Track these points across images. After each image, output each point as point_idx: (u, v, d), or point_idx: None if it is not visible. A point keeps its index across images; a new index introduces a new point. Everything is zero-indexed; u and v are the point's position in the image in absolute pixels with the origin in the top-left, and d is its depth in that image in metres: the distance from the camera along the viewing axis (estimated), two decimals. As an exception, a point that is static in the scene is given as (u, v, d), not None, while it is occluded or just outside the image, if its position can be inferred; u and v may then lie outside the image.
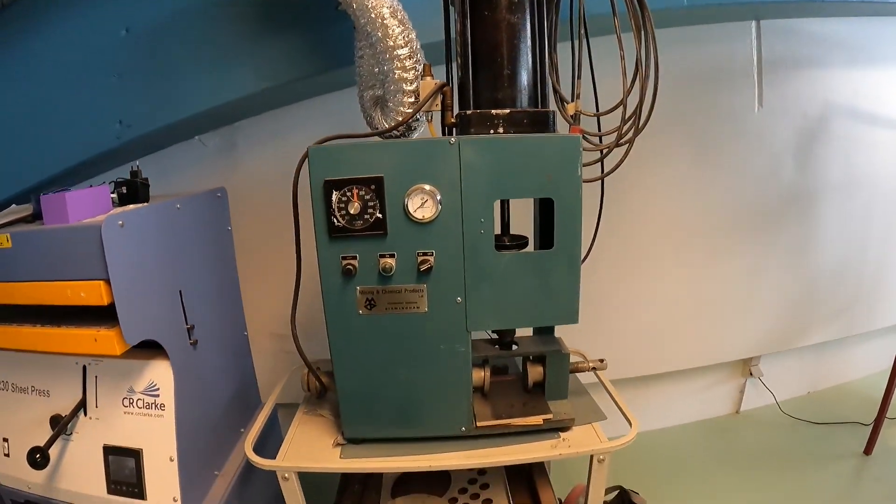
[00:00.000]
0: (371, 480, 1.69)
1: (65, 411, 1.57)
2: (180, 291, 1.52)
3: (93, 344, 1.37)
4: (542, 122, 1.34)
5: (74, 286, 1.34)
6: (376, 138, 1.36)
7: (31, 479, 1.66)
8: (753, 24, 2.22)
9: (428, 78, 1.36)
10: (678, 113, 2.13)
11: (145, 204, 1.49)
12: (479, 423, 1.40)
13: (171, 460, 1.47)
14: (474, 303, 1.31)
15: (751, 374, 2.66)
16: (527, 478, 1.63)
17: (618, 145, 1.55)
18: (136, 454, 1.49)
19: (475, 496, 1.60)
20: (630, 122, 1.48)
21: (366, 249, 1.26)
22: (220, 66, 1.74)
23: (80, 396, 1.57)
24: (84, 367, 1.57)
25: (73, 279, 1.34)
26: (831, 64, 2.29)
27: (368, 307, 1.31)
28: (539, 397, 1.49)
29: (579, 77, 1.55)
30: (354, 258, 1.27)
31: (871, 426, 2.42)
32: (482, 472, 1.68)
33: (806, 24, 2.22)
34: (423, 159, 1.23)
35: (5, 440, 1.70)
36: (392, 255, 1.27)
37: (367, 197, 1.23)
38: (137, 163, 1.54)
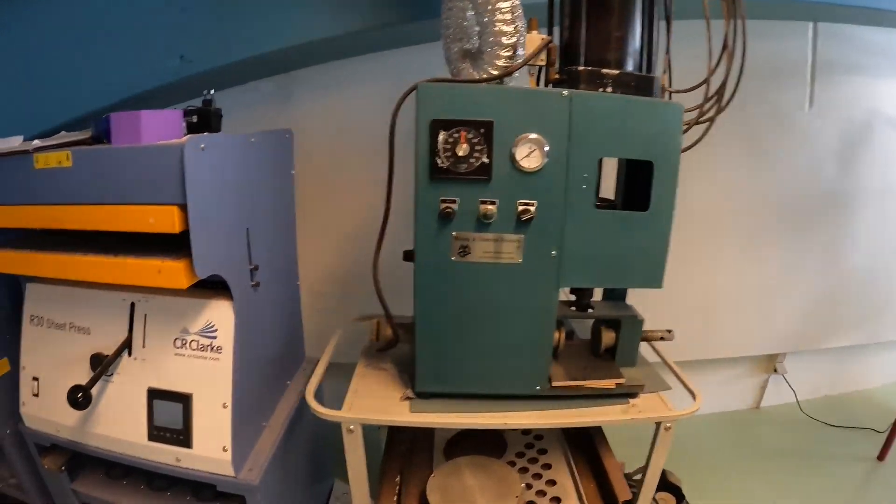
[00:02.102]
0: (419, 440, 1.59)
1: (106, 351, 1.44)
2: (247, 229, 1.40)
3: (155, 276, 1.24)
4: (647, 87, 1.29)
5: (142, 210, 1.21)
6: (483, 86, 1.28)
7: (60, 422, 1.51)
8: (811, 25, 2.19)
9: (534, 32, 1.30)
10: (731, 103, 2.09)
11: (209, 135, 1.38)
12: (554, 384, 1.33)
13: (225, 407, 1.34)
14: (568, 258, 1.23)
15: (775, 370, 2.61)
16: (585, 444, 1.55)
17: (698, 122, 1.51)
18: (185, 399, 1.36)
19: (533, 460, 1.52)
20: (712, 100, 1.45)
21: (467, 194, 1.18)
22: (295, 6, 1.63)
23: (124, 335, 1.44)
24: (132, 305, 1.44)
25: (142, 203, 1.22)
26: (881, 73, 2.27)
27: (461, 254, 1.22)
28: (610, 362, 1.43)
29: (668, 52, 1.51)
30: (454, 202, 1.18)
31: (887, 433, 2.42)
32: (539, 436, 1.59)
33: (861, 32, 2.19)
34: (534, 109, 1.16)
35: (35, 379, 1.55)
36: (493, 203, 1.19)
37: (475, 140, 1.15)
38: (212, 91, 1.42)
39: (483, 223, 1.19)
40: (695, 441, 2.41)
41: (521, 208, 1.19)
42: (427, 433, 1.59)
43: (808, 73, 2.22)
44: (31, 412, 1.55)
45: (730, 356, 2.49)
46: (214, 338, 1.33)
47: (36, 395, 1.54)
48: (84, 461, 1.66)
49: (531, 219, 1.19)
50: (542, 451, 1.54)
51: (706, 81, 1.45)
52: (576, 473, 1.47)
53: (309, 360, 1.81)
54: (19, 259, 1.39)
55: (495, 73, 1.32)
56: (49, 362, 1.51)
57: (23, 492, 1.79)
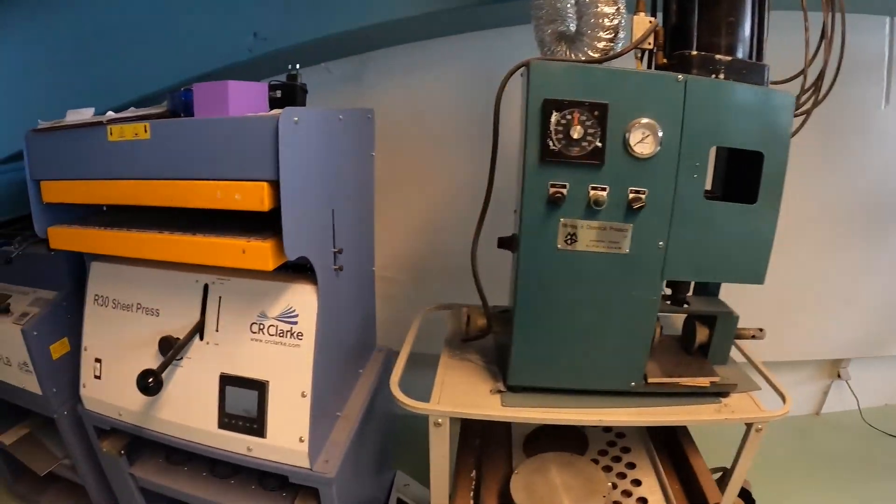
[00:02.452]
0: (495, 434, 1.52)
1: (175, 334, 1.37)
2: (333, 210, 1.32)
3: (239, 257, 1.16)
4: (758, 75, 1.21)
5: (227, 186, 1.13)
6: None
7: (123, 406, 1.45)
8: (888, 20, 2.08)
9: (641, 14, 1.22)
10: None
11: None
12: (650, 380, 1.26)
13: (303, 396, 1.27)
14: (674, 249, 1.16)
15: (839, 375, 2.53)
16: (670, 443, 1.48)
17: (795, 115, 1.44)
18: (260, 386, 1.29)
19: (617, 459, 1.45)
20: (809, 92, 1.38)
21: (578, 179, 1.10)
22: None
23: (195, 318, 1.37)
24: (206, 286, 1.37)
25: (228, 179, 1.15)
26: (961, 72, 2.16)
27: (568, 242, 1.14)
28: (702, 360, 1.36)
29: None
30: (564, 187, 1.11)
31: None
32: (620, 434, 1.52)
33: (940, 28, 2.09)
34: (647, 92, 1.08)
35: (98, 361, 1.49)
36: (604, 189, 1.11)
37: (588, 123, 1.08)
38: (297, 65, 1.34)
39: (592, 210, 1.12)
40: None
41: (631, 196, 1.12)
42: (504, 427, 1.53)
43: (885, 69, 2.11)
44: (92, 394, 1.49)
45: (794, 359, 2.40)
46: (295, 323, 1.26)
47: (98, 377, 1.48)
48: (143, 445, 1.60)
49: (641, 207, 1.12)
50: (626, 450, 1.47)
51: (803, 73, 1.37)
52: (662, 473, 1.40)
53: (379, 349, 1.73)
54: (89, 237, 1.33)
55: (595, 55, 1.24)
56: (113, 344, 1.45)
57: (76, 473, 1.73)
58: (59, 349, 1.58)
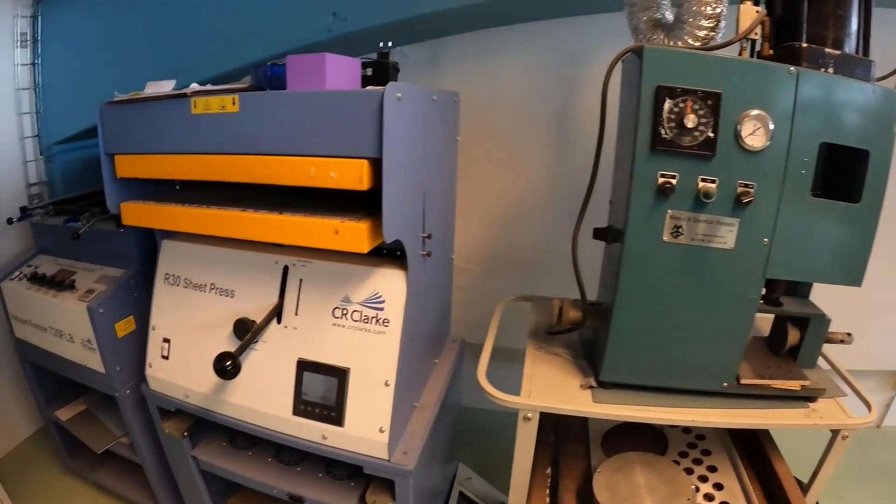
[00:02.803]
0: (571, 430, 1.46)
1: (250, 316, 1.32)
2: (424, 194, 1.25)
3: (331, 237, 1.10)
4: (865, 71, 1.14)
5: (323, 163, 1.07)
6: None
7: (191, 388, 1.40)
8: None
9: (748, 3, 1.14)
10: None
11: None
12: (742, 381, 1.19)
13: (387, 385, 1.21)
14: (778, 247, 1.09)
15: (903, 388, 2.43)
16: (750, 447, 1.41)
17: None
18: (341, 374, 1.24)
19: (698, 461, 1.38)
20: None
21: (688, 169, 1.03)
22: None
23: (273, 301, 1.32)
24: (285, 268, 1.31)
25: (323, 155, 1.08)
26: None
27: (674, 235, 1.08)
28: (790, 362, 1.28)
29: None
30: (674, 177, 1.04)
31: None
32: (701, 436, 1.46)
33: None
34: (759, 84, 1.01)
35: (166, 341, 1.44)
36: (714, 181, 1.04)
37: (701, 112, 1.01)
38: (389, 43, 1.27)
39: (701, 203, 1.05)
40: (810, 454, 2.25)
41: (740, 190, 1.05)
42: (581, 423, 1.46)
43: None
44: (158, 375, 1.44)
45: (857, 368, 2.30)
46: (381, 309, 1.19)
47: (165, 357, 1.43)
48: (207, 427, 1.55)
49: (750, 202, 1.05)
50: (706, 452, 1.40)
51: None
52: (744, 478, 1.33)
53: (453, 339, 1.67)
54: (167, 213, 1.27)
55: (696, 44, 1.17)
56: (183, 324, 1.40)
57: (133, 452, 1.70)
58: (124, 327, 1.54)
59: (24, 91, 2.03)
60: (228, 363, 1.13)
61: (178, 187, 1.47)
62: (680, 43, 1.22)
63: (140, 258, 1.55)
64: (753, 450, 1.39)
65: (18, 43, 2.01)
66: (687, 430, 1.45)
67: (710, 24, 1.18)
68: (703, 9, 1.18)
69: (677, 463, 1.35)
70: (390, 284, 1.19)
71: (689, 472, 1.35)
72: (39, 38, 2.03)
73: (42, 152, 2.07)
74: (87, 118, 1.94)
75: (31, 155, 2.06)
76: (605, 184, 1.73)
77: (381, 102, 0.98)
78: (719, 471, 1.35)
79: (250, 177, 1.13)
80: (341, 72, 1.11)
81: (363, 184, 1.03)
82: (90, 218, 1.59)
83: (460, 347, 1.60)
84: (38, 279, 1.67)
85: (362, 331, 1.21)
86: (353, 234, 1.06)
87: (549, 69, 1.71)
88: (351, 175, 1.03)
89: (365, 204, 1.17)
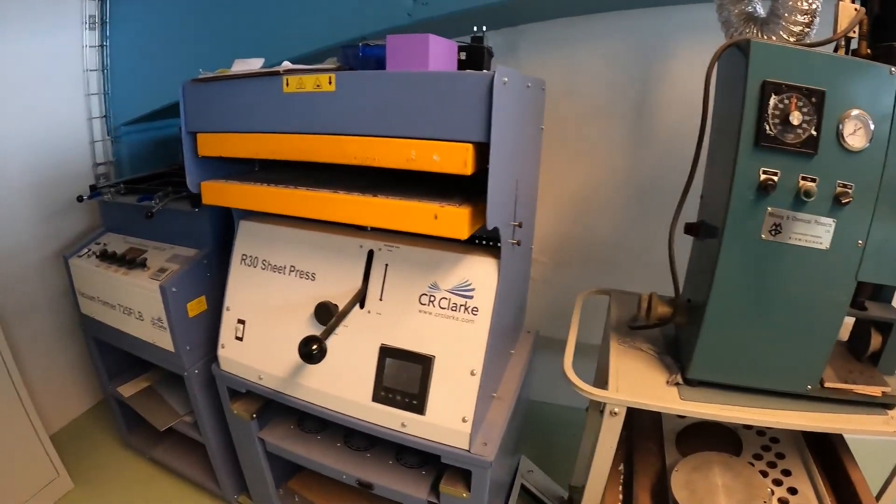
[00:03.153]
0: (643, 428, 1.42)
1: (332, 300, 1.29)
2: (517, 181, 1.21)
3: (429, 222, 1.06)
4: None
5: (425, 146, 1.03)
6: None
7: (264, 369, 1.38)
8: None
9: (847, 0, 1.08)
10: None
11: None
12: (826, 384, 1.14)
13: (472, 374, 1.18)
14: (871, 250, 1.04)
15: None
16: (824, 452, 1.36)
17: None
18: (425, 361, 1.21)
19: (772, 465, 1.34)
20: None
21: (789, 167, 0.99)
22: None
23: (356, 285, 1.29)
24: (370, 252, 1.28)
25: (426, 138, 1.04)
26: None
27: (773, 233, 1.04)
28: (871, 368, 1.23)
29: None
30: (775, 174, 1.00)
31: None
32: (774, 439, 1.41)
33: None
34: (861, 83, 0.96)
35: (241, 322, 1.42)
36: (814, 180, 1.00)
37: (805, 110, 0.97)
38: (484, 28, 1.22)
39: (800, 201, 1.01)
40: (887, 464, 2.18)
41: (839, 190, 1.01)
42: (655, 420, 1.42)
43: None
44: (231, 356, 1.43)
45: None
46: (470, 297, 1.16)
47: (239, 338, 1.41)
48: (275, 409, 1.54)
49: (848, 202, 1.00)
50: (780, 456, 1.35)
51: None
52: (818, 483, 1.28)
53: (527, 331, 1.64)
54: (254, 193, 1.25)
55: (791, 40, 1.12)
56: (260, 306, 1.38)
57: (197, 431, 1.69)
58: (195, 307, 1.53)
59: (92, 72, 2.03)
60: (315, 347, 1.10)
61: (256, 168, 1.44)
62: (774, 38, 1.19)
63: (214, 238, 1.54)
64: (827, 455, 1.34)
65: (87, 25, 2.01)
66: (761, 432, 1.40)
67: (806, 20, 1.14)
68: (799, 4, 1.13)
69: (752, 465, 1.31)
70: (481, 272, 1.15)
71: (764, 474, 1.31)
72: (108, 19, 2.02)
73: (109, 133, 2.07)
74: (155, 100, 1.94)
75: (98, 135, 2.06)
76: (682, 179, 1.69)
77: (490, 86, 0.94)
78: (793, 475, 1.30)
79: (346, 157, 1.09)
80: (441, 54, 1.07)
81: (467, 168, 0.99)
82: (163, 197, 1.58)
83: (535, 339, 1.57)
84: (107, 256, 1.66)
85: (449, 319, 1.18)
86: (454, 219, 1.03)
87: (627, 60, 1.65)
88: (455, 159, 0.99)
89: (454, 189, 1.13)
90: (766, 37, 1.20)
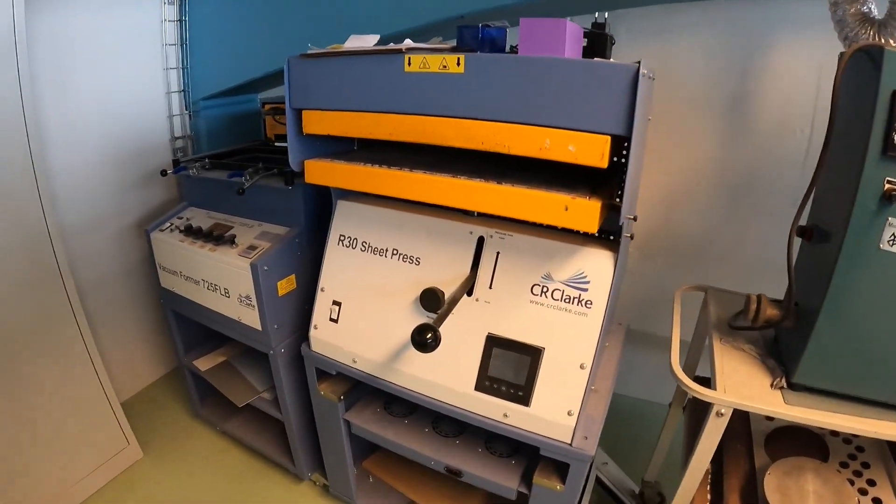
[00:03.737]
0: (732, 429, 1.38)
1: (433, 285, 1.26)
2: (636, 173, 1.17)
3: (559, 214, 1.02)
4: None
5: (561, 136, 0.99)
6: None
7: (359, 353, 1.36)
8: None
9: None
10: None
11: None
12: None
13: (582, 368, 1.15)
14: None
15: None
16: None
17: None
18: (535, 353, 1.17)
19: (858, 473, 1.30)
20: None
21: None
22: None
23: (463, 272, 1.26)
24: (480, 239, 1.25)
25: (562, 127, 1.00)
26: None
27: (891, 243, 0.99)
28: None
29: None
30: None
31: None
32: (860, 448, 1.37)
33: None
34: None
35: (336, 304, 1.40)
36: None
37: None
38: (605, 14, 1.17)
39: None
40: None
41: None
42: (744, 423, 1.38)
43: None
44: (324, 337, 1.41)
45: None
46: (585, 290, 1.12)
47: (334, 320, 1.39)
48: (361, 391, 1.52)
49: None
50: (866, 465, 1.31)
51: None
52: None
53: (619, 322, 1.60)
54: (364, 174, 1.21)
55: None
56: (357, 288, 1.35)
57: (276, 408, 1.69)
58: (285, 286, 1.51)
59: (171, 47, 2.01)
60: (430, 336, 1.07)
61: (356, 147, 1.41)
62: (893, 41, 1.12)
63: (306, 217, 1.51)
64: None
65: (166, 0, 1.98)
66: (848, 440, 1.37)
67: None
68: None
69: (839, 472, 1.28)
70: (597, 265, 1.12)
71: (851, 483, 1.27)
72: (188, -7, 2.00)
73: (187, 107, 2.05)
74: (235, 75, 1.91)
75: (176, 109, 2.04)
76: (776, 177, 1.62)
77: (635, 78, 0.90)
78: (878, 485, 1.27)
79: (472, 142, 1.05)
80: (573, 40, 1.02)
81: (604, 161, 0.95)
82: (254, 174, 1.56)
83: (626, 331, 1.53)
84: (192, 232, 1.65)
85: (562, 311, 1.14)
86: (585, 211, 0.99)
87: (727, 52, 1.58)
88: (593, 151, 0.95)
89: (562, 177, 1.09)
90: (883, 39, 1.15)
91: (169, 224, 1.75)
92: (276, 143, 1.90)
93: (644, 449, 1.71)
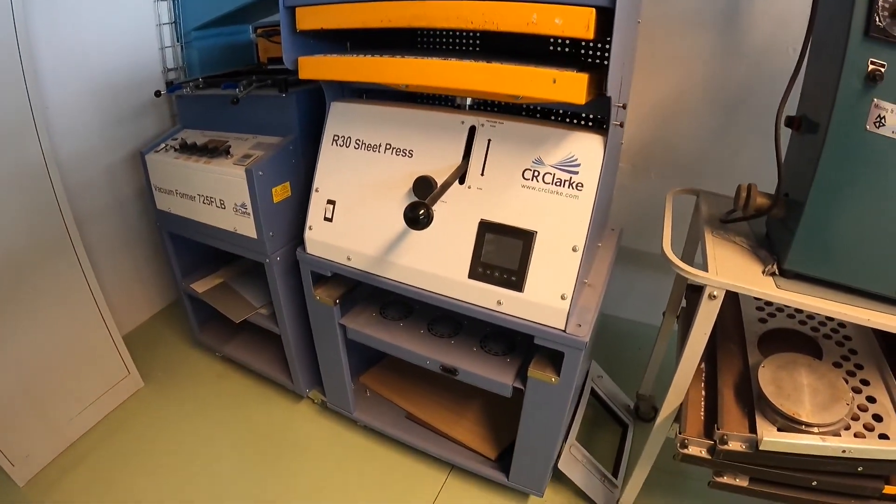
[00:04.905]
0: (724, 329, 1.40)
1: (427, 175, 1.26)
2: (623, 63, 1.16)
3: (548, 86, 1.01)
4: None
5: (547, 10, 0.97)
6: None
7: (354, 249, 1.36)
8: None
9: None
10: None
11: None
12: None
13: (574, 250, 1.15)
14: None
15: None
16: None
17: None
18: (527, 236, 1.18)
19: (851, 373, 1.32)
20: None
21: (894, 60, 0.94)
22: None
23: (455, 162, 1.25)
24: (472, 128, 1.24)
25: (545, 1, 0.99)
26: None
27: (877, 125, 0.99)
28: None
29: None
30: (883, 66, 0.95)
31: None
32: (853, 351, 1.38)
33: None
34: None
35: (331, 203, 1.40)
36: None
37: None
38: None
39: None
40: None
41: None
42: (737, 323, 1.40)
43: None
44: (319, 237, 1.41)
45: None
46: (576, 173, 1.12)
47: (328, 219, 1.39)
48: (356, 297, 1.53)
49: None
50: (859, 367, 1.33)
51: None
52: (894, 392, 1.26)
53: (612, 227, 1.61)
54: (357, 64, 1.20)
55: None
56: (352, 185, 1.35)
57: (273, 322, 1.69)
58: (280, 193, 1.51)
59: (161, -25, 1.97)
60: (422, 212, 1.07)
61: (348, 46, 1.40)
62: None
63: (300, 126, 1.50)
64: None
65: (154, -74, 1.94)
66: (840, 342, 1.38)
67: None
68: None
69: (833, 369, 1.30)
70: (587, 148, 1.12)
71: (844, 380, 1.29)
72: (178, -82, 1.95)
73: (179, 39, 2.02)
74: (226, 2, 1.88)
75: (168, 41, 2.01)
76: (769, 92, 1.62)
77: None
78: (871, 385, 1.29)
79: (462, 22, 1.04)
80: None
81: (589, 32, 0.95)
82: (247, 85, 1.54)
83: (619, 235, 1.53)
84: (187, 148, 1.64)
85: (553, 194, 1.14)
86: (572, 83, 0.99)
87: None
88: (578, 22, 0.94)
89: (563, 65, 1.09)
90: None
91: (164, 145, 1.74)
92: (270, 66, 1.88)
93: (638, 368, 1.73)
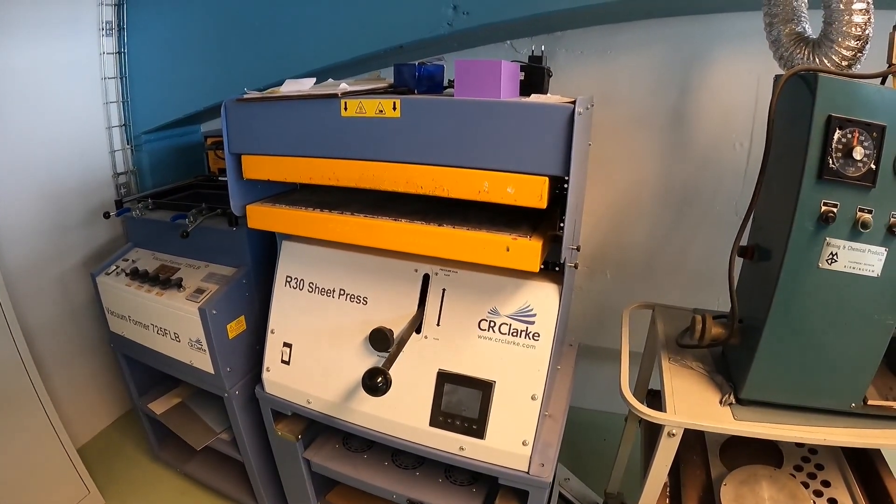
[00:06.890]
0: (686, 440, 1.39)
1: (384, 325, 1.22)
2: (576, 206, 1.16)
3: (501, 255, 1.00)
4: None
5: (499, 178, 0.97)
6: (872, 81, 1.02)
7: (313, 393, 1.32)
8: None
9: None
10: None
11: (550, 97, 1.11)
12: (869, 402, 1.13)
13: (533, 399, 1.13)
14: None
15: None
16: (861, 466, 1.36)
17: None
18: (486, 387, 1.15)
19: (812, 476, 1.33)
20: None
21: (848, 199, 0.98)
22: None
23: (409, 310, 1.22)
24: (426, 276, 1.22)
25: (499, 170, 0.98)
26: None
27: (829, 262, 1.02)
28: None
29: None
30: (835, 206, 0.98)
31: None
32: (813, 451, 1.40)
33: None
34: None
35: (287, 346, 1.35)
36: (870, 211, 0.99)
37: (866, 144, 0.95)
38: (542, 47, 1.16)
39: (857, 232, 1.00)
40: None
41: (893, 221, 0.99)
42: (698, 434, 1.39)
43: None
44: (277, 379, 1.36)
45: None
46: (532, 323, 1.11)
47: (286, 361, 1.34)
48: (319, 429, 1.47)
49: None
50: (819, 467, 1.34)
51: None
52: (857, 494, 1.28)
53: (570, 343, 1.59)
54: (307, 220, 1.17)
55: (843, 64, 1.09)
56: (307, 329, 1.31)
57: (235, 449, 1.62)
58: (235, 328, 1.45)
59: (110, 80, 1.90)
60: (380, 380, 1.04)
61: (298, 188, 1.36)
62: (827, 61, 1.15)
63: (252, 256, 1.45)
64: (864, 466, 1.34)
65: (104, 31, 1.88)
66: (800, 444, 1.40)
67: (858, 45, 1.11)
68: (852, 29, 1.10)
69: (793, 476, 1.30)
70: (542, 298, 1.11)
71: (805, 485, 1.30)
72: (125, 26, 1.90)
73: (129, 141, 1.95)
74: (177, 108, 1.83)
75: (118, 144, 1.94)
76: (717, 189, 1.65)
77: (570, 119, 0.88)
78: (832, 486, 1.30)
79: (412, 186, 1.03)
80: (509, 79, 1.00)
81: (542, 202, 0.94)
82: (197, 215, 1.48)
83: (577, 352, 1.52)
84: (138, 275, 1.57)
85: (510, 344, 1.13)
86: (526, 251, 0.98)
87: (665, 69, 1.59)
88: (531, 192, 0.94)
89: (501, 213, 1.08)
90: (817, 60, 1.16)
91: (115, 267, 1.66)
92: (220, 178, 1.82)
93: (605, 459, 1.71)
